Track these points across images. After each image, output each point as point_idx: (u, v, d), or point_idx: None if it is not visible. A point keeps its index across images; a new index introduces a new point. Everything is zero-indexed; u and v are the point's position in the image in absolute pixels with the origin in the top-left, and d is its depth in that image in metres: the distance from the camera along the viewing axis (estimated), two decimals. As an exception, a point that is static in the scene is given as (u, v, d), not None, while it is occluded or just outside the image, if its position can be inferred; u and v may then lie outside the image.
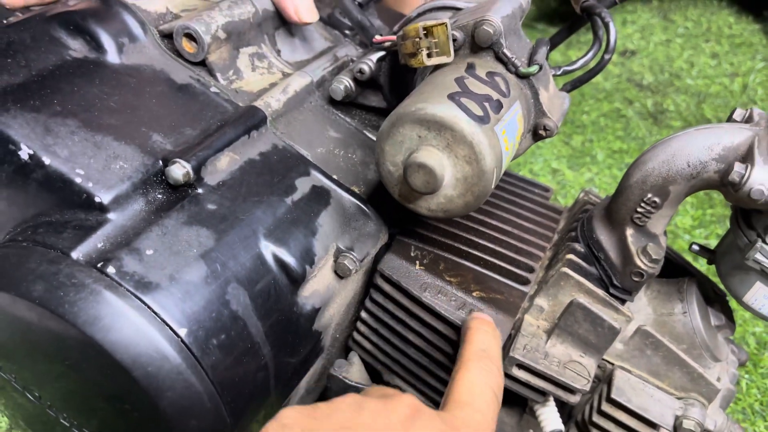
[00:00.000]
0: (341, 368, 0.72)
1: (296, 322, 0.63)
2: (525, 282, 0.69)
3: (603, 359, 0.70)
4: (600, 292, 0.68)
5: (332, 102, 0.78)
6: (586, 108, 1.49)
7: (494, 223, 0.75)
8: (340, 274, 0.67)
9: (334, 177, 0.70)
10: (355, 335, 0.80)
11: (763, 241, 0.60)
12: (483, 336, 0.60)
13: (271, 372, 0.60)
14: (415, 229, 0.73)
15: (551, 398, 0.71)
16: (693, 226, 1.16)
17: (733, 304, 0.72)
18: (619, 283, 0.67)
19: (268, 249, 0.61)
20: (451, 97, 0.58)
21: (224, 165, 0.64)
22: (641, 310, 0.72)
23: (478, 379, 0.53)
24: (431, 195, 0.61)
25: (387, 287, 0.73)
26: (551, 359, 0.68)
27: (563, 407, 0.76)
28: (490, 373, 0.54)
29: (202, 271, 0.56)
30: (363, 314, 0.77)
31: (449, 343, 0.71)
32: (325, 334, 0.70)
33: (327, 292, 0.67)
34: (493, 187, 0.60)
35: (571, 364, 0.68)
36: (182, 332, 0.52)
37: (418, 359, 0.75)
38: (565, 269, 0.69)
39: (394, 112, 0.59)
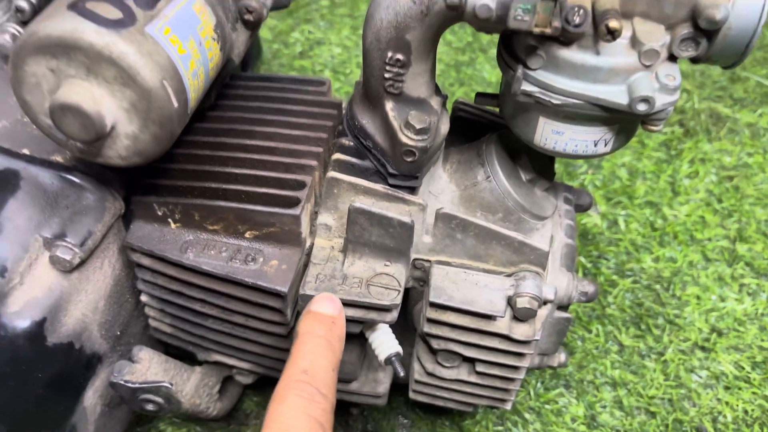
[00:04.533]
0: (122, 372, 0.59)
1: (8, 347, 0.49)
2: (294, 203, 0.56)
3: (419, 259, 0.59)
4: (379, 187, 0.56)
5: (12, 60, 0.61)
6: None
7: (255, 143, 0.62)
8: (61, 268, 0.53)
9: (24, 152, 0.55)
10: (151, 322, 0.67)
11: (525, 66, 0.48)
12: (307, 349, 0.48)
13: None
14: (156, 181, 0.59)
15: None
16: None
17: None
18: (394, 169, 0.55)
19: (-73, 274, 0.46)
20: (73, 6, 0.43)
21: None
22: (444, 189, 0.60)
23: (296, 410, 0.43)
24: (112, 139, 0.47)
25: (146, 261, 0.60)
26: (351, 281, 0.57)
27: (406, 324, 0.66)
28: (313, 400, 0.44)
29: None
30: (143, 297, 0.64)
31: (241, 301, 0.59)
32: (81, 340, 0.57)
33: (52, 296, 0.53)
34: (177, 105, 0.46)
35: (377, 278, 0.57)
36: None
37: (220, 328, 0.63)
38: (332, 173, 0.56)
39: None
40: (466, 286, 0.58)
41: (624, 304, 0.88)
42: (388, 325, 0.60)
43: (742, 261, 0.91)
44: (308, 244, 0.59)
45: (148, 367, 0.62)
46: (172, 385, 0.60)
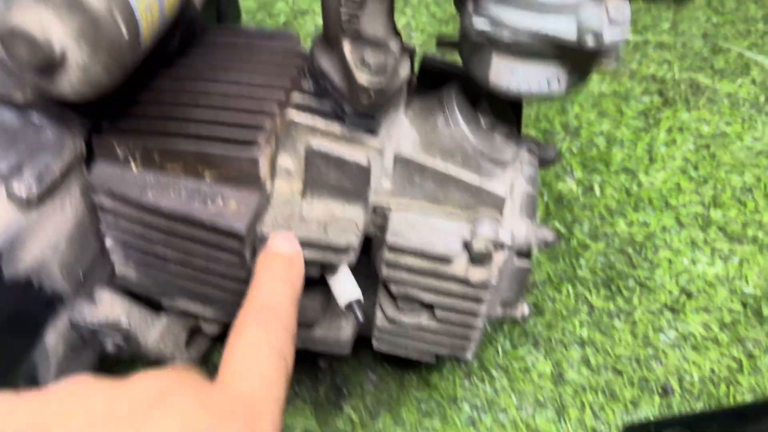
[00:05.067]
0: (81, 311, 0.60)
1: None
2: (251, 145, 0.57)
3: (378, 204, 0.59)
4: (337, 129, 0.56)
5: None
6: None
7: (217, 88, 0.62)
8: (17, 202, 0.54)
9: (-17, 90, 0.55)
10: (117, 269, 0.67)
11: (475, 1, 0.48)
12: (266, 283, 0.47)
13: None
14: (117, 123, 0.59)
15: (343, 267, 0.61)
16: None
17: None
18: (352, 110, 0.55)
19: None
20: (21, -71, 0.43)
21: None
22: (405, 135, 0.60)
23: (256, 340, 0.41)
24: (63, 69, 0.47)
25: (108, 202, 0.60)
26: (309, 223, 0.57)
27: (372, 275, 0.67)
28: (273, 331, 0.42)
29: None
30: (107, 242, 0.64)
31: (200, 243, 0.60)
32: (40, 278, 0.57)
33: (9, 230, 0.53)
34: (128, 36, 0.46)
35: (336, 220, 0.58)
36: None
37: (183, 273, 0.63)
38: (290, 115, 0.57)
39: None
40: (423, 229, 0.58)
41: (596, 267, 0.88)
42: (349, 271, 0.61)
43: (716, 226, 0.91)
44: (269, 188, 0.59)
45: (110, 309, 0.62)
46: (131, 324, 0.60)
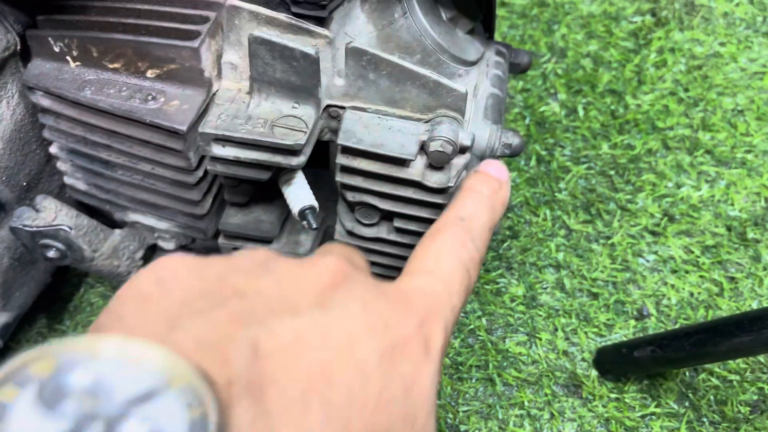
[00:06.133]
0: (21, 217, 0.57)
1: None
2: (193, 36, 0.53)
3: (332, 106, 0.56)
4: (282, 17, 0.52)
5: None
6: None
7: (162, -18, 0.58)
8: (-59, 94, 0.50)
9: None
10: (65, 179, 0.64)
11: None
12: (468, 201, 0.46)
13: None
14: (53, 17, 0.55)
15: (298, 174, 0.58)
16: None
17: None
18: (298, -4, 0.51)
19: None
20: None
21: None
22: (361, 31, 0.56)
23: (445, 247, 0.41)
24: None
25: (46, 102, 0.57)
26: (255, 122, 0.54)
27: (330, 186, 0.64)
28: (462, 245, 0.41)
29: None
30: (52, 149, 0.61)
31: (144, 145, 0.57)
32: (-27, 180, 0.54)
33: (-67, 124, 0.50)
34: None
35: (284, 120, 0.54)
36: None
37: (130, 180, 0.60)
38: (230, 1, 0.52)
39: None
40: (378, 130, 0.54)
41: (576, 191, 0.84)
42: (305, 180, 0.58)
43: (703, 149, 0.87)
44: (214, 86, 0.56)
45: (54, 218, 0.59)
46: (71, 229, 0.57)
